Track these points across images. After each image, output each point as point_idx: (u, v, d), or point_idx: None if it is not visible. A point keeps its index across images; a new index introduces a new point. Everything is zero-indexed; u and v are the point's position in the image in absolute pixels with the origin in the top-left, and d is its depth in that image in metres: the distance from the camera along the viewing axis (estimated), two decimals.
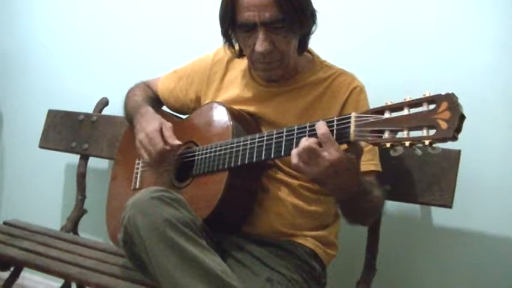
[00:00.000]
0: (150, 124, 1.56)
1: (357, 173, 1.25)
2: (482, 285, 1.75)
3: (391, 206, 1.80)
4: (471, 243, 1.76)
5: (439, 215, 1.81)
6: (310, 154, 1.19)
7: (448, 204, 1.60)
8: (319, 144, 1.19)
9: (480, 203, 1.74)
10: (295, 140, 1.28)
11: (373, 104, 1.46)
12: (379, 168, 1.52)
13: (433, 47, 1.81)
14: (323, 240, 1.54)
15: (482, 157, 1.72)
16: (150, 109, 1.67)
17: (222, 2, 1.46)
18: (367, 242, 1.72)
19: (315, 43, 1.55)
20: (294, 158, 1.21)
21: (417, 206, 1.82)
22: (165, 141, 1.51)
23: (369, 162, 1.49)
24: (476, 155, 1.69)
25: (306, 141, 1.20)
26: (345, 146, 1.20)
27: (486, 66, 1.73)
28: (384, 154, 1.52)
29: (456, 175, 1.60)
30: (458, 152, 1.61)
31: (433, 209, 1.81)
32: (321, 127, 1.19)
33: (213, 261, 1.23)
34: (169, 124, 1.56)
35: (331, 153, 1.17)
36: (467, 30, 1.76)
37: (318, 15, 1.48)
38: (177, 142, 1.51)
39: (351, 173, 1.22)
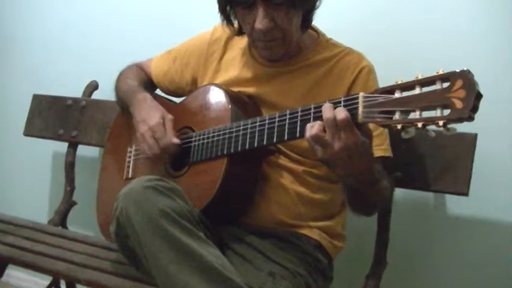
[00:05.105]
0: (151, 116, 1.56)
1: (370, 159, 1.25)
2: (499, 277, 1.75)
3: (402, 194, 1.80)
4: (488, 232, 1.77)
5: (453, 204, 1.81)
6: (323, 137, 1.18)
7: (464, 192, 1.60)
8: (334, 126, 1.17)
9: (497, 189, 1.73)
10: (299, 123, 1.28)
11: (382, 83, 1.46)
12: (389, 154, 1.51)
13: (444, 24, 1.80)
14: (329, 231, 1.54)
15: (499, 140, 1.71)
16: (148, 95, 1.67)
17: None
18: (376, 233, 1.72)
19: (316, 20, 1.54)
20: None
21: (430, 194, 1.82)
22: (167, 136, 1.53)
23: (378, 148, 1.48)
24: (492, 138, 1.68)
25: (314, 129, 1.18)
26: None
27: (499, 43, 1.72)
28: (393, 139, 1.52)
29: (472, 160, 1.59)
30: (474, 136, 1.60)
31: (448, 196, 1.81)
32: (341, 113, 1.16)
33: (211, 254, 1.24)
34: (170, 116, 1.57)
35: (348, 135, 1.16)
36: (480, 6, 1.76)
37: None
38: (176, 141, 1.52)
39: (364, 159, 1.21)
